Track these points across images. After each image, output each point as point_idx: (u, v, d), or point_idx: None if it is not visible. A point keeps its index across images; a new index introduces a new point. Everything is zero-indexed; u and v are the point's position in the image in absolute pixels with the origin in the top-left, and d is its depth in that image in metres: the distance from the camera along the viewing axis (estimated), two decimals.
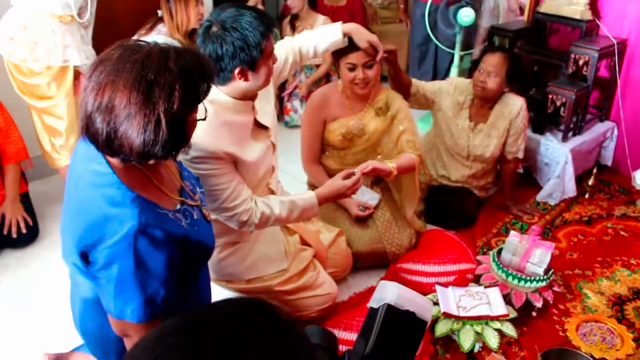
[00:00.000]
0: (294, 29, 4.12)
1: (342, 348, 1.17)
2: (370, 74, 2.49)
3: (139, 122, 1.22)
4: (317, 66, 4.17)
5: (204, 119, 1.42)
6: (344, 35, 2.33)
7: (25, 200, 2.88)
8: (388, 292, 1.01)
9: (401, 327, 0.99)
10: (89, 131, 1.27)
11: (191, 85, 1.28)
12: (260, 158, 2.03)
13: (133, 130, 1.22)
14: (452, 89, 2.98)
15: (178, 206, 1.46)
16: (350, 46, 2.42)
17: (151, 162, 1.35)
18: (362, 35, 2.37)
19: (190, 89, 1.28)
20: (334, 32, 2.32)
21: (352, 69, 2.49)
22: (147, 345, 0.66)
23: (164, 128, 1.23)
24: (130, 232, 1.27)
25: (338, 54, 2.51)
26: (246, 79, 1.84)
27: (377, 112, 2.66)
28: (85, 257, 1.34)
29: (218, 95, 1.89)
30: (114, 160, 1.34)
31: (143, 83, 1.22)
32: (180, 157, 1.84)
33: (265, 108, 2.09)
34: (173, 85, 1.24)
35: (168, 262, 1.34)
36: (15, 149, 2.78)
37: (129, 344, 1.46)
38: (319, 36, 2.32)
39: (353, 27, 2.36)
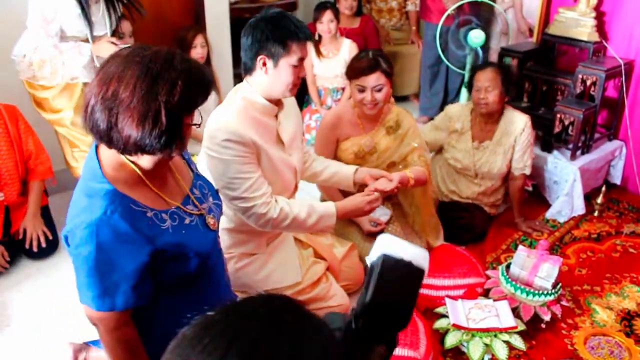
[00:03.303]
0: (319, 53, 4.09)
1: None
2: (379, 97, 2.57)
3: (141, 110, 1.32)
4: (343, 89, 4.16)
5: (199, 125, 1.51)
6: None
7: (46, 213, 2.96)
8: (384, 244, 1.07)
9: (399, 275, 1.03)
10: (91, 120, 1.37)
11: (191, 85, 1.38)
12: (280, 162, 2.12)
13: (134, 119, 1.32)
14: (447, 122, 3.12)
15: (170, 208, 1.53)
16: (361, 69, 2.54)
17: (145, 157, 1.43)
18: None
19: (190, 88, 1.38)
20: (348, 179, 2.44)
21: (362, 90, 2.58)
22: (196, 330, 0.74)
23: (162, 119, 1.34)
24: (94, 221, 1.36)
25: (350, 75, 2.62)
26: (266, 71, 1.97)
27: (388, 130, 2.74)
28: (67, 240, 1.46)
29: (248, 93, 2.04)
30: (106, 159, 1.45)
31: (149, 75, 1.33)
32: (209, 142, 1.96)
33: (288, 126, 2.20)
34: (176, 80, 1.35)
35: (131, 257, 1.40)
36: (43, 168, 2.89)
37: (98, 334, 1.53)
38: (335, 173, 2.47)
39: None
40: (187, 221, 1.56)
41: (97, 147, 1.49)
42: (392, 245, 1.07)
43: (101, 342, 1.54)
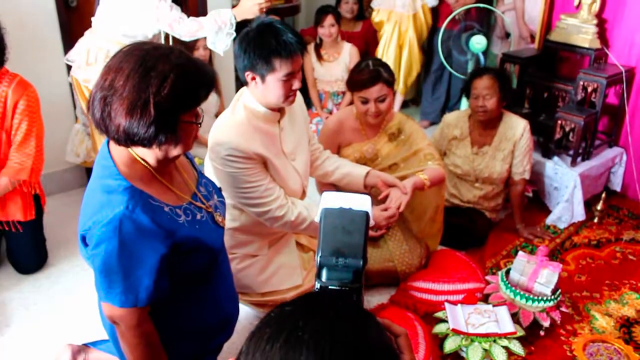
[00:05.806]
0: (320, 57, 4.12)
1: None
2: (382, 107, 2.57)
3: (130, 100, 1.34)
4: (343, 93, 4.19)
5: (200, 124, 1.51)
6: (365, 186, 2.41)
7: (37, 229, 2.76)
8: (325, 201, 1.12)
9: (341, 222, 1.07)
10: (91, 109, 1.40)
11: (184, 80, 1.38)
12: (285, 171, 2.12)
13: (124, 108, 1.34)
14: (445, 129, 3.14)
15: (182, 204, 1.55)
16: (363, 82, 2.52)
17: (146, 152, 1.45)
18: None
19: (182, 82, 1.38)
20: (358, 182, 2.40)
21: (365, 102, 2.56)
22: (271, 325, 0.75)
23: (150, 109, 1.34)
24: (117, 216, 1.37)
25: (351, 87, 2.61)
26: (256, 85, 1.98)
27: (390, 137, 2.73)
28: (84, 240, 1.46)
29: (250, 102, 2.04)
30: (118, 156, 1.46)
31: (142, 67, 1.35)
32: (212, 154, 1.97)
33: (291, 132, 2.19)
34: (168, 73, 1.36)
35: (153, 251, 1.41)
36: (18, 167, 2.47)
37: (118, 333, 1.52)
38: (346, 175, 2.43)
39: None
40: (198, 217, 1.59)
41: (108, 146, 1.50)
42: (332, 199, 1.12)
43: (121, 340, 1.53)
